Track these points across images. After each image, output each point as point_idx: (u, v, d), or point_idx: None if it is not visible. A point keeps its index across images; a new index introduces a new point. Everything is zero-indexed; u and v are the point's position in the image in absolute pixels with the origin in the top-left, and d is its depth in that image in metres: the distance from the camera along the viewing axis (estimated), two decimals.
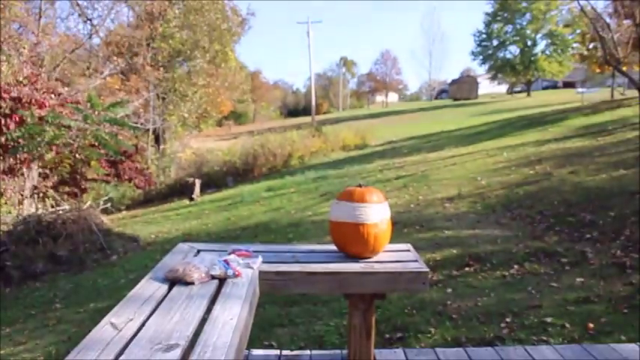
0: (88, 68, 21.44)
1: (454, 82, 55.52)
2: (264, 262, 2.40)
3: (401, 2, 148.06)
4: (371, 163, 14.86)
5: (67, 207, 10.75)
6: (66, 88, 13.79)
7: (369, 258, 2.49)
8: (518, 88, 54.18)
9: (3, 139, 9.44)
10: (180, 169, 21.67)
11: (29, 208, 11.06)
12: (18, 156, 9.80)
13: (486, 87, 55.21)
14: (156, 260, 6.57)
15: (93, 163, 9.59)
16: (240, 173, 19.97)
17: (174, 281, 2.10)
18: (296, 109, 69.64)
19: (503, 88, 58.93)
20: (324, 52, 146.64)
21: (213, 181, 19.40)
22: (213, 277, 2.13)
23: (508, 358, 2.68)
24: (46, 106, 10.30)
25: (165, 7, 21.20)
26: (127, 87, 19.96)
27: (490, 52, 45.48)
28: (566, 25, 39.60)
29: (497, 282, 4.30)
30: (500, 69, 44.90)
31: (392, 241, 2.64)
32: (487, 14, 45.12)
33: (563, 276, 4.24)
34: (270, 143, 20.23)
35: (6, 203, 10.75)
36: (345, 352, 2.87)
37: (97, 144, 9.02)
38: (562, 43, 41.76)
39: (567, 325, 3.32)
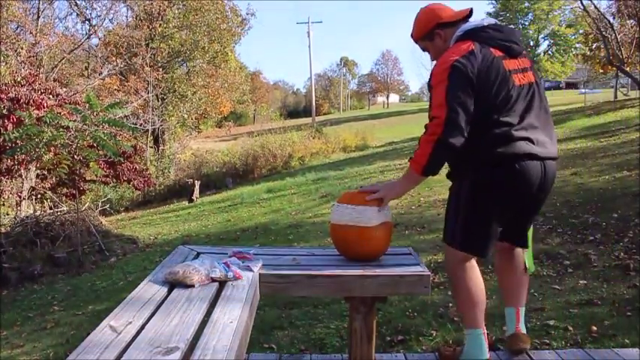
0: (86, 69, 21.50)
1: None
2: (264, 264, 2.38)
3: (402, 2, 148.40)
4: (372, 164, 14.85)
5: (65, 208, 10.72)
6: (64, 89, 13.81)
7: (370, 261, 2.46)
8: None
9: (0, 140, 9.42)
10: (179, 170, 21.70)
11: (27, 209, 11.05)
12: (16, 157, 9.77)
13: None
14: (155, 262, 6.56)
15: (91, 164, 9.56)
16: (239, 174, 19.99)
17: (173, 284, 2.08)
18: (296, 109, 69.78)
19: None
20: (324, 52, 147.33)
21: (213, 182, 19.42)
22: (213, 280, 2.11)
23: None
24: (44, 107, 10.30)
25: (165, 7, 21.19)
26: (126, 87, 19.98)
27: None
28: (569, 25, 39.71)
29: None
30: None
31: (393, 243, 2.61)
32: (489, 14, 45.17)
33: (566, 278, 4.21)
34: (270, 144, 20.25)
35: (4, 204, 10.73)
36: (345, 355, 2.85)
37: (95, 145, 8.99)
38: (565, 43, 41.81)
39: (570, 328, 3.29)
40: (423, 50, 2.50)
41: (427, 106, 2.40)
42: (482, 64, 2.12)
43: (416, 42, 2.50)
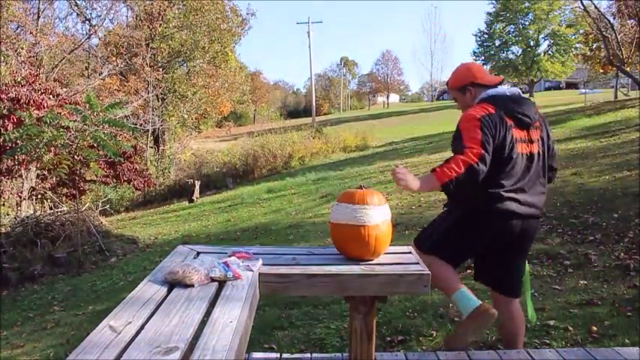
0: (86, 69, 21.49)
1: None
2: (264, 264, 2.38)
3: (402, 2, 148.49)
4: (372, 164, 14.85)
5: (65, 208, 10.73)
6: (64, 89, 13.80)
7: (369, 260, 2.46)
8: (520, 89, 54.20)
9: (1, 140, 9.42)
10: (179, 171, 21.69)
11: (27, 209, 11.04)
12: (16, 157, 9.76)
13: None
14: (155, 262, 6.54)
15: (92, 164, 9.56)
16: (240, 174, 19.99)
17: (173, 284, 2.08)
18: (296, 109, 69.81)
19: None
20: (324, 52, 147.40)
21: (213, 183, 19.43)
22: (212, 280, 2.11)
23: None
24: (44, 107, 10.29)
25: (165, 7, 21.18)
26: (126, 88, 19.98)
27: (492, 52, 45.49)
28: (569, 25, 39.69)
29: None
30: (502, 69, 44.90)
31: (393, 243, 2.61)
32: (489, 14, 45.13)
33: (566, 278, 4.21)
34: (271, 144, 20.25)
35: (4, 205, 10.73)
36: (345, 355, 2.85)
37: (95, 145, 8.98)
38: (565, 43, 41.75)
39: (570, 329, 3.29)
40: (454, 99, 2.88)
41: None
42: (498, 129, 2.47)
43: (449, 89, 2.89)
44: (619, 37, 18.47)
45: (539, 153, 2.59)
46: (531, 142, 2.57)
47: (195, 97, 23.97)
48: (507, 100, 2.58)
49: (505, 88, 2.68)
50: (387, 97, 74.16)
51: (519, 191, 2.52)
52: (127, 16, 22.87)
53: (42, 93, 10.87)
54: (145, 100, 20.06)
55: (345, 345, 3.18)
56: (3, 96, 10.13)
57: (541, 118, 2.68)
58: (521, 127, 2.54)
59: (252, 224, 9.46)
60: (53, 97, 11.30)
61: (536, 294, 3.94)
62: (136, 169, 12.82)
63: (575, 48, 38.77)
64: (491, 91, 2.65)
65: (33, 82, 11.15)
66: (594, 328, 3.24)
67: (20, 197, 11.15)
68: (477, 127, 2.44)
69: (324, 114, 64.37)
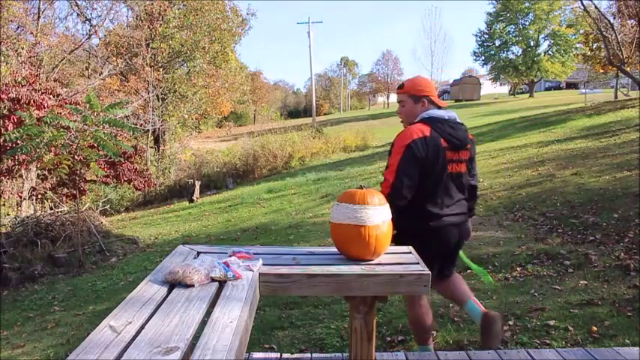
0: (87, 69, 21.47)
1: (455, 82, 53.98)
2: (264, 264, 2.37)
3: (402, 2, 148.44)
4: (372, 164, 14.85)
5: (65, 209, 10.73)
6: (65, 89, 13.80)
7: (370, 260, 2.46)
8: (520, 89, 54.24)
9: (1, 140, 9.41)
10: (179, 171, 21.67)
11: (27, 209, 11.05)
12: (16, 157, 9.76)
13: (488, 88, 55.11)
14: (155, 262, 6.53)
15: (92, 164, 9.55)
16: (240, 174, 19.99)
17: (173, 284, 2.08)
18: (297, 109, 69.86)
19: (505, 89, 58.93)
20: (324, 52, 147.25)
21: (213, 183, 19.42)
22: (213, 280, 2.11)
23: None
24: (44, 107, 10.29)
25: (165, 8, 21.18)
26: (127, 88, 19.99)
27: (492, 52, 45.47)
28: (570, 26, 39.68)
29: (499, 284, 4.27)
30: (502, 69, 44.91)
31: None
32: (489, 14, 45.13)
33: (567, 278, 4.21)
34: (271, 144, 20.23)
35: (4, 205, 10.73)
36: (346, 355, 2.85)
37: (95, 145, 8.97)
38: (565, 43, 41.75)
39: (570, 329, 3.29)
40: (399, 101, 3.03)
41: None
42: (431, 151, 2.72)
43: (401, 92, 3.02)
44: (619, 37, 18.46)
45: (465, 172, 2.91)
46: (460, 162, 2.87)
47: (195, 97, 23.96)
48: (444, 124, 2.81)
49: (444, 112, 2.88)
50: (387, 97, 74.09)
51: (451, 205, 2.85)
52: (127, 16, 22.91)
53: (42, 93, 10.87)
54: (145, 100, 20.06)
55: (345, 345, 3.18)
56: (3, 96, 10.13)
57: (471, 141, 2.95)
58: (454, 149, 2.81)
59: (253, 224, 9.46)
60: (53, 97, 11.30)
61: (536, 294, 3.95)
62: (137, 169, 12.80)
63: (576, 48, 38.75)
64: (432, 112, 2.86)
65: (33, 82, 11.15)
66: (594, 328, 3.24)
67: (20, 197, 11.15)
68: (401, 151, 2.71)
69: (325, 114, 64.40)
